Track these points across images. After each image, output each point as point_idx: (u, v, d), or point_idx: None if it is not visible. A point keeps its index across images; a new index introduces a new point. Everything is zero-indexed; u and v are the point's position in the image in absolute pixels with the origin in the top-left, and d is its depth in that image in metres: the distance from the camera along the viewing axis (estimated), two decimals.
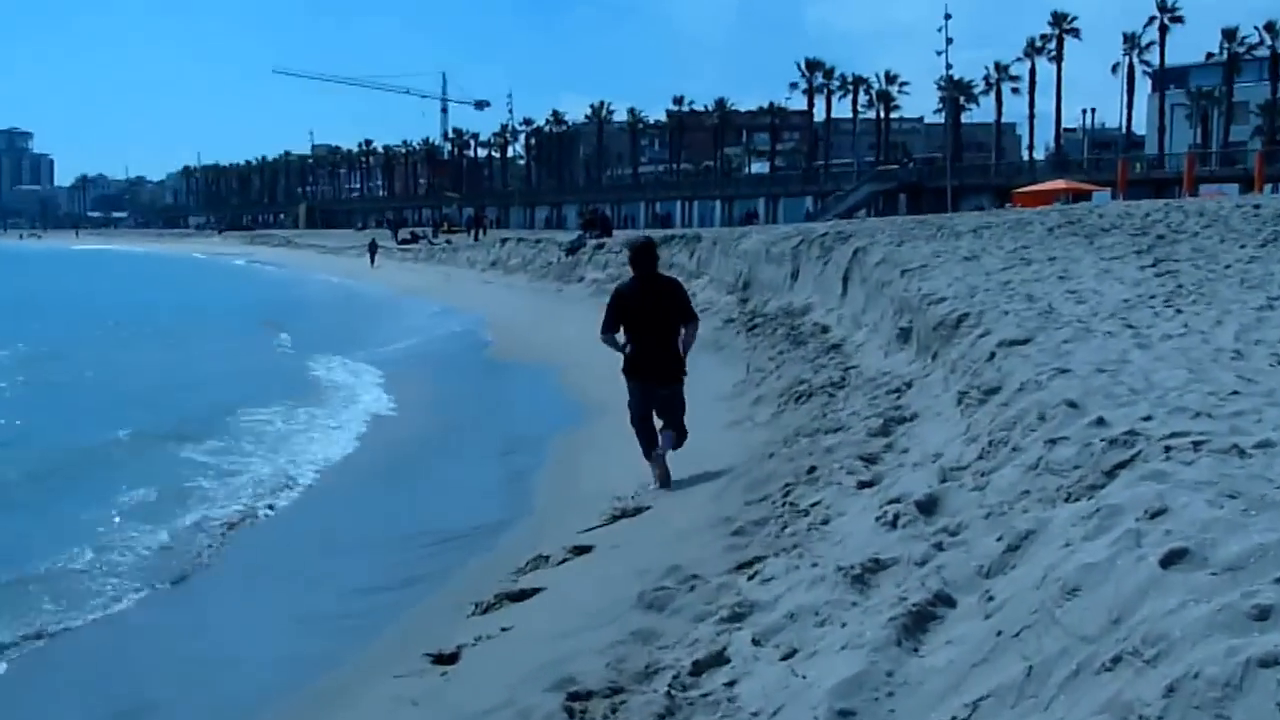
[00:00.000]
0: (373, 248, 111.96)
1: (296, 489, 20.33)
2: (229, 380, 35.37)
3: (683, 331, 15.76)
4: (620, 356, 16.13)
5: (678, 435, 15.91)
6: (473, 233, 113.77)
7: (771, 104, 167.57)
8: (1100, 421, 9.66)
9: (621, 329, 15.76)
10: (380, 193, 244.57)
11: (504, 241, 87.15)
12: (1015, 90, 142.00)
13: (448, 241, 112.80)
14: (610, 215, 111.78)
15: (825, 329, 26.71)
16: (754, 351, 28.03)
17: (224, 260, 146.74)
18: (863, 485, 11.98)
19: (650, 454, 15.79)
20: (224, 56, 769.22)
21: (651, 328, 15.54)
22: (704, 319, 24.64)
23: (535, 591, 12.31)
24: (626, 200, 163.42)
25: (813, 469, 13.55)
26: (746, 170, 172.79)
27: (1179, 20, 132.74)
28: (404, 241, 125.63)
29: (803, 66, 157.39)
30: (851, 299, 27.17)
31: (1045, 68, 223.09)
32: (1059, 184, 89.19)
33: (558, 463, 20.29)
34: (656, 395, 15.75)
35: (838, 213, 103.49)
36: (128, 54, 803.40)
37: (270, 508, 18.97)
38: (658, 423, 16.11)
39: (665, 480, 15.64)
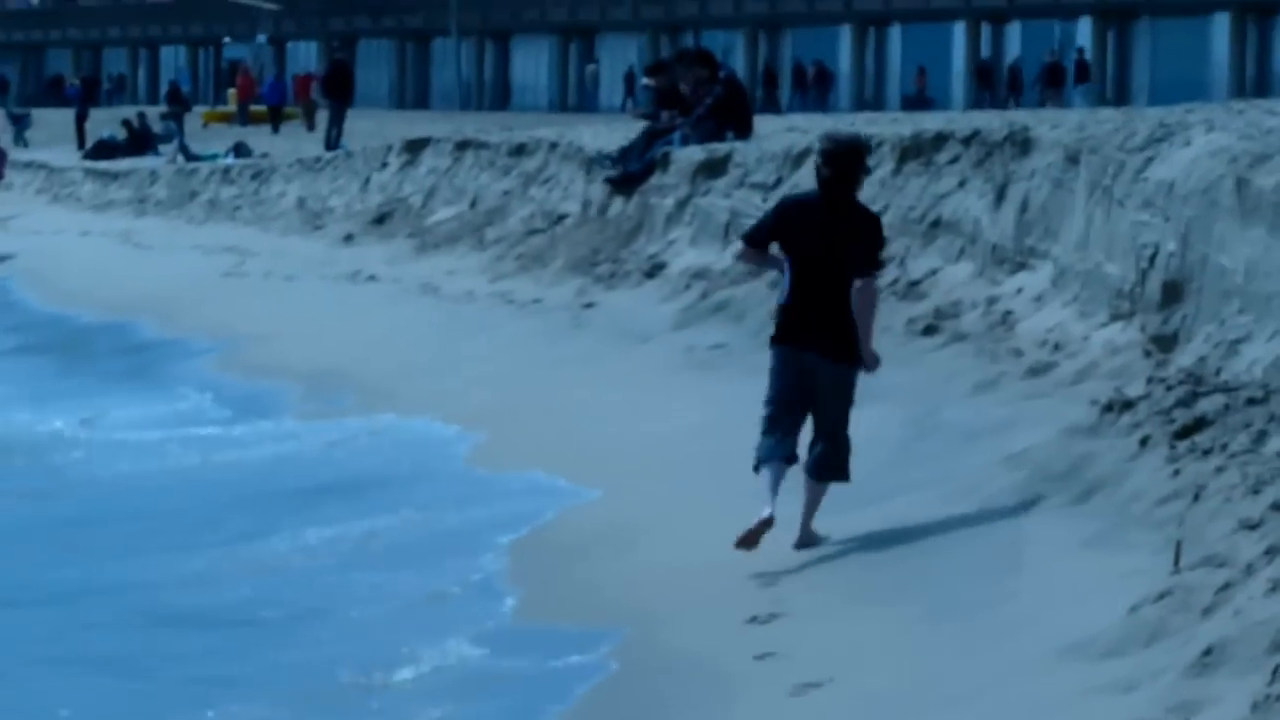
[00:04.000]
0: None
1: None
2: None
3: (856, 286, 10.91)
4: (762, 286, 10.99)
5: (835, 455, 10.67)
6: (324, 124, 41.85)
7: None
8: None
9: (779, 259, 11.22)
10: None
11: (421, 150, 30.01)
12: None
13: (235, 154, 42.76)
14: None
15: None
16: (1195, 504, 8.66)
17: None
18: None
19: (768, 463, 10.56)
20: None
21: (825, 271, 10.87)
22: (1048, 393, 12.57)
23: None
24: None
25: None
26: None
27: None
28: (101, 150, 50.25)
29: None
30: None
31: None
32: None
33: None
34: (816, 379, 10.78)
35: None
36: None
37: None
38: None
39: (807, 535, 10.55)
